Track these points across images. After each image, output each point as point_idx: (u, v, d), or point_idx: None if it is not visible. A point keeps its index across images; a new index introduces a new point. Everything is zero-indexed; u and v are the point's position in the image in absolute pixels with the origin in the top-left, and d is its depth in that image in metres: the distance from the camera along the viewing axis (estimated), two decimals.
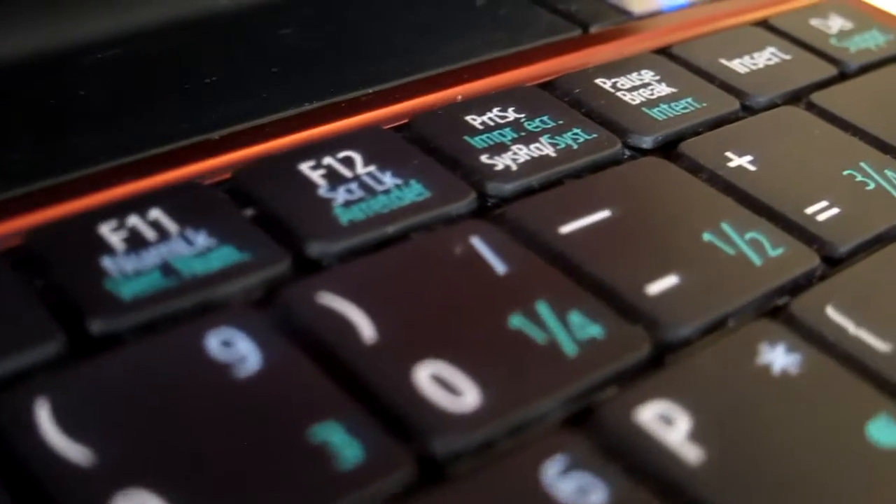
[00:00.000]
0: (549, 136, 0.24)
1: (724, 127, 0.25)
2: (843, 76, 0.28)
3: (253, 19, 0.27)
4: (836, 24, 0.30)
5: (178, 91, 0.24)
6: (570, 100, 0.25)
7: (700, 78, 0.27)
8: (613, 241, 0.21)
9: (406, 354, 0.18)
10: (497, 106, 0.24)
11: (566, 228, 0.21)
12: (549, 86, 0.26)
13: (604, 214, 0.22)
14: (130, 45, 0.25)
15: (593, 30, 0.28)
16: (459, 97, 0.25)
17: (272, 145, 0.23)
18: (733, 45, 0.28)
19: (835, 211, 0.23)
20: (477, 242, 0.21)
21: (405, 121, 0.24)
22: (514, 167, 0.23)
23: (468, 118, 0.24)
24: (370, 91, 0.24)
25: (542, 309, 0.19)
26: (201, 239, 0.20)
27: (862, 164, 0.24)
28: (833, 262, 0.22)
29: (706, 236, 0.21)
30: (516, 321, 0.19)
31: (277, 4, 0.27)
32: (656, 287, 0.20)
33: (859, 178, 0.24)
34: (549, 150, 0.23)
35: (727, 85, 0.27)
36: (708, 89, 0.26)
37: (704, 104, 0.26)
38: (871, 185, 0.24)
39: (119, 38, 0.25)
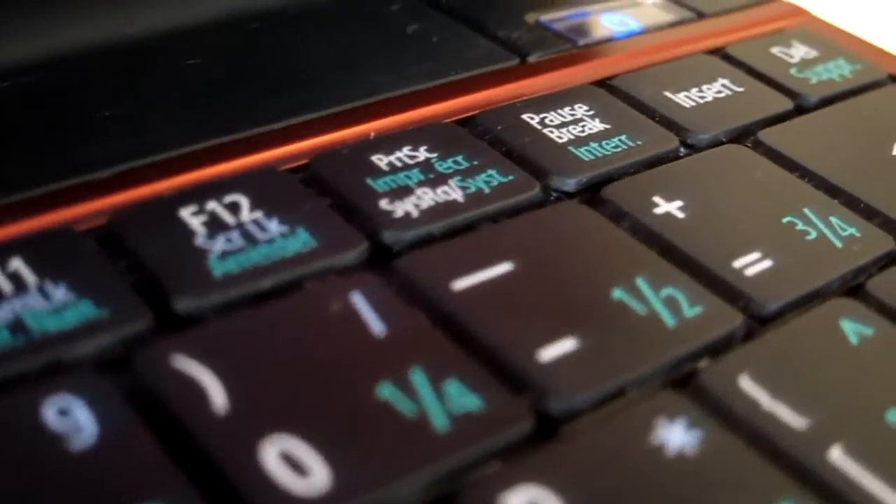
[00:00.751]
0: (459, 178, 0.22)
1: (656, 168, 0.23)
2: (800, 110, 0.26)
3: (161, 47, 0.25)
4: (799, 52, 0.28)
5: (66, 127, 0.22)
6: (491, 137, 0.23)
7: (639, 113, 0.25)
8: (511, 298, 0.19)
9: (256, 427, 0.16)
10: (409, 144, 0.23)
11: (460, 284, 0.19)
12: (470, 122, 0.24)
13: (505, 268, 0.20)
14: (22, 77, 0.23)
15: (532, 59, 0.26)
16: (372, 134, 0.23)
17: (156, 187, 0.21)
18: (682, 77, 0.26)
19: (767, 264, 0.21)
20: (357, 299, 0.19)
21: (306, 161, 0.22)
22: (415, 213, 0.21)
23: (374, 158, 0.22)
24: (275, 127, 0.23)
25: (417, 377, 0.18)
26: (60, 293, 0.19)
27: (805, 211, 0.22)
28: (758, 323, 0.20)
29: (616, 293, 0.20)
30: (385, 391, 0.17)
31: (190, 31, 0.26)
32: (550, 352, 0.18)
33: (800, 226, 0.22)
34: (458, 195, 0.21)
35: (668, 120, 0.25)
36: (646, 126, 0.24)
37: (639, 142, 0.24)
38: (813, 235, 0.22)
39: (9, 70, 0.23)
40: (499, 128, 0.23)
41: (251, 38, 0.26)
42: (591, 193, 0.22)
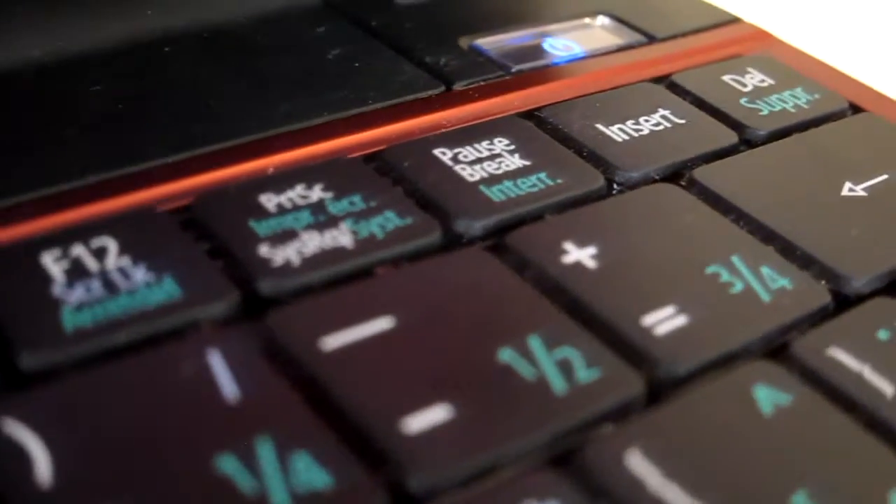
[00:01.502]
0: (352, 221, 0.20)
1: (574, 210, 0.21)
2: (747, 144, 0.24)
3: (65, 72, 0.24)
4: (753, 80, 0.26)
5: None
6: (396, 175, 0.22)
7: (566, 148, 0.23)
8: (387, 359, 0.18)
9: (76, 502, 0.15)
10: (303, 182, 0.21)
11: (332, 342, 0.18)
12: (376, 157, 0.22)
13: (385, 324, 0.18)
14: None
15: (458, 87, 0.25)
16: (271, 169, 0.22)
17: (20, 230, 0.20)
18: (618, 107, 0.24)
19: (681, 321, 0.19)
20: (214, 358, 0.17)
21: (191, 200, 0.21)
22: (296, 261, 0.19)
23: (263, 198, 0.20)
24: (165, 161, 0.21)
25: (263, 449, 0.16)
26: None
27: (734, 259, 0.21)
28: (662, 389, 0.18)
29: (504, 354, 0.18)
30: (227, 464, 0.16)
31: (98, 54, 0.24)
32: (417, 422, 0.16)
33: (725, 276, 0.20)
34: (347, 240, 0.20)
35: (596, 156, 0.23)
36: (570, 162, 0.23)
37: (559, 181, 0.22)
38: (738, 287, 0.20)
39: None
40: (406, 164, 0.22)
41: (161, 63, 0.24)
42: (498, 239, 0.21)
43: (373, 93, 0.24)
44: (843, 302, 0.20)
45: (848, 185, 0.23)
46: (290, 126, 0.22)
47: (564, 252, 0.20)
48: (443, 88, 0.24)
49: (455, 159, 0.22)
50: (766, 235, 0.21)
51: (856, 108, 0.26)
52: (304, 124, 0.23)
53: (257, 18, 0.26)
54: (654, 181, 0.23)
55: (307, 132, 0.23)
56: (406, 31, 0.26)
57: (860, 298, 0.21)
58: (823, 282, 0.21)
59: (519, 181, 0.22)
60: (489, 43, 0.25)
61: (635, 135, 0.24)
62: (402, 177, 0.22)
